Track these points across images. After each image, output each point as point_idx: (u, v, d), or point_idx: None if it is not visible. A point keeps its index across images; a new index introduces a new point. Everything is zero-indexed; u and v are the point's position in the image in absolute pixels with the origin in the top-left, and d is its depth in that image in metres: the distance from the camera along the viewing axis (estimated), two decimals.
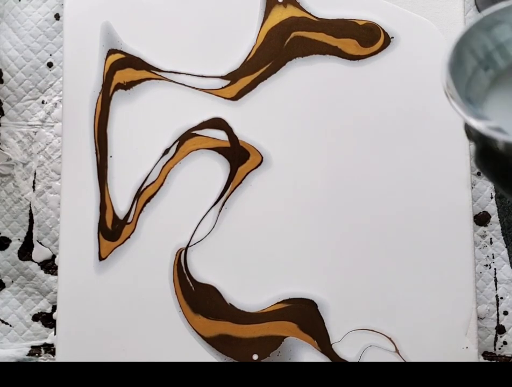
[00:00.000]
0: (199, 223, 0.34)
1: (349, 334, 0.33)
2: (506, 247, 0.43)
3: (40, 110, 0.42)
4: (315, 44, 0.35)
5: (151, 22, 0.35)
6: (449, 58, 0.20)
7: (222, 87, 0.34)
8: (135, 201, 0.34)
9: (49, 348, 0.41)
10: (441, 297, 0.34)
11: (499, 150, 0.18)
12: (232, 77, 0.35)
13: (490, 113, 0.20)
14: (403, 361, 0.33)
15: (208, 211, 0.34)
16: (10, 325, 0.41)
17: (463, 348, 0.33)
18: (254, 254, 0.34)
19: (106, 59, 0.35)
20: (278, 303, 0.34)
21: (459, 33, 0.21)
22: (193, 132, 0.34)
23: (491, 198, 0.44)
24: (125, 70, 0.35)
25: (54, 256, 0.41)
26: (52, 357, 0.40)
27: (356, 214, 0.34)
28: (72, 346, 0.33)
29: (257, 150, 0.34)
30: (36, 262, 0.41)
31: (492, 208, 0.44)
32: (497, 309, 0.43)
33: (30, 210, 0.41)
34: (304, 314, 0.34)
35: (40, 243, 0.41)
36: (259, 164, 0.34)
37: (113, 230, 0.34)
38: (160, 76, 0.35)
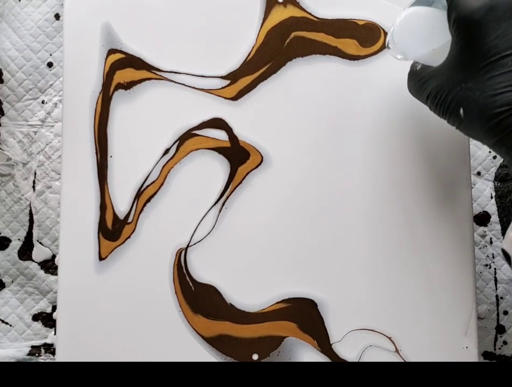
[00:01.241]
0: (199, 223, 0.34)
1: (349, 334, 0.33)
2: None
3: (40, 110, 0.42)
4: (315, 44, 0.35)
5: (151, 22, 0.35)
6: (394, 27, 0.30)
7: (222, 87, 0.34)
8: (135, 201, 0.34)
9: (49, 348, 0.41)
10: (441, 297, 0.34)
11: (417, 70, 0.29)
12: (232, 77, 0.35)
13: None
14: (403, 361, 0.33)
15: (208, 211, 0.34)
16: (10, 325, 0.41)
17: (463, 348, 0.33)
18: (254, 254, 0.34)
19: (106, 59, 0.35)
20: (278, 303, 0.34)
21: (404, 9, 0.30)
22: (193, 132, 0.34)
23: (491, 198, 0.44)
24: (125, 70, 0.35)
25: (54, 256, 0.41)
26: (52, 357, 0.40)
27: (357, 214, 0.34)
28: (72, 346, 0.33)
29: (257, 150, 0.34)
30: (36, 262, 0.41)
31: (492, 208, 0.44)
32: (497, 309, 0.43)
33: (30, 210, 0.41)
34: (304, 314, 0.34)
35: (40, 243, 0.41)
36: (259, 164, 0.34)
37: (113, 230, 0.34)
38: (160, 76, 0.35)
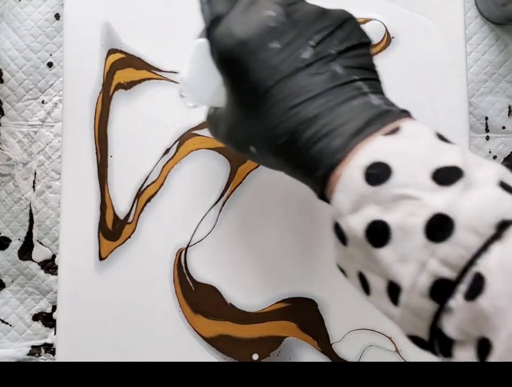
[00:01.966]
0: (199, 223, 0.34)
1: (349, 334, 0.33)
2: None
3: (40, 110, 0.42)
4: None
5: (151, 22, 0.35)
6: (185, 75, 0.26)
7: None
8: (136, 201, 0.34)
9: (49, 348, 0.41)
10: None
11: (210, 114, 0.28)
12: None
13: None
14: (403, 361, 0.33)
15: (208, 211, 0.34)
16: (10, 325, 0.41)
17: None
18: (254, 254, 0.34)
19: (106, 59, 0.35)
20: (278, 302, 0.34)
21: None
22: (194, 132, 0.34)
23: None
24: (125, 70, 0.35)
25: (54, 256, 0.41)
26: (52, 357, 0.40)
27: None
28: (72, 346, 0.33)
29: None
30: (36, 262, 0.41)
31: None
32: None
33: (30, 210, 0.41)
34: (304, 314, 0.34)
35: (40, 243, 0.41)
36: (259, 164, 0.34)
37: (113, 230, 0.34)
38: (160, 76, 0.35)
